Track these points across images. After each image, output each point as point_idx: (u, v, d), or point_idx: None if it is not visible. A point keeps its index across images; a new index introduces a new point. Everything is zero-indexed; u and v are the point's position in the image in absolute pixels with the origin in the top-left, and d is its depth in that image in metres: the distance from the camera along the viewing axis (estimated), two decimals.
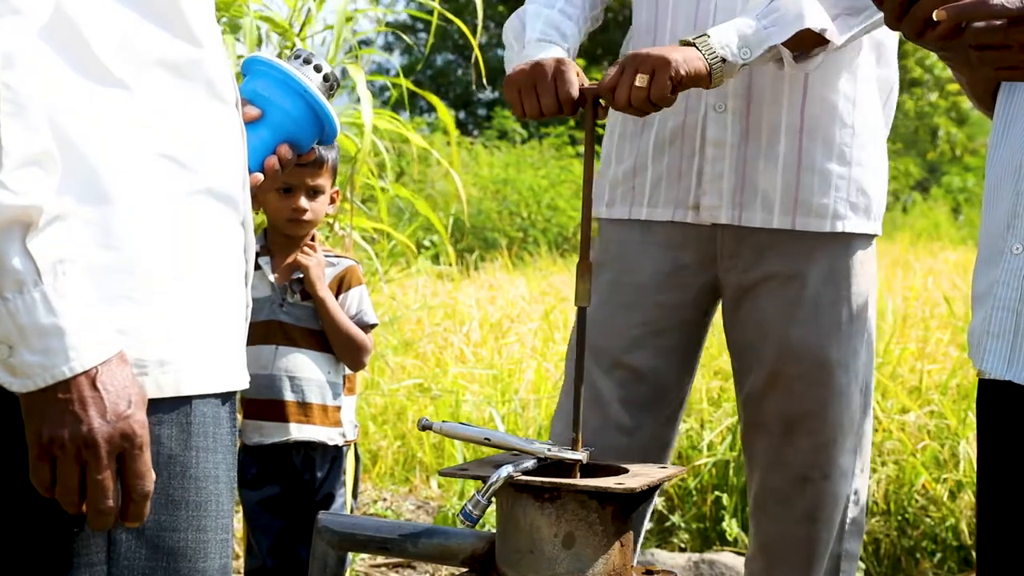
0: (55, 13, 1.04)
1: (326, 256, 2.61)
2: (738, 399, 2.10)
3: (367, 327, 2.60)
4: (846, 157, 2.00)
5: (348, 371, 2.63)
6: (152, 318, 1.09)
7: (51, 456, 1.01)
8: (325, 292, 2.53)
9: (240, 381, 1.20)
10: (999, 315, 1.32)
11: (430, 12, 3.93)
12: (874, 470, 3.45)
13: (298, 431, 2.52)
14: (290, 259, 2.56)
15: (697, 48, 1.83)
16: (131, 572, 1.10)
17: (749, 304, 2.02)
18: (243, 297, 1.23)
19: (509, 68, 1.95)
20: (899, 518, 3.39)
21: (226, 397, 1.19)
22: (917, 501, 3.39)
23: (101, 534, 1.09)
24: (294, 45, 3.60)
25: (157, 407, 1.09)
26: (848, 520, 2.05)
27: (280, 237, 2.56)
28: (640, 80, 1.78)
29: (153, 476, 1.06)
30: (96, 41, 1.08)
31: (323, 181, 2.49)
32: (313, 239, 2.60)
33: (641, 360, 2.01)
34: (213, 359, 1.16)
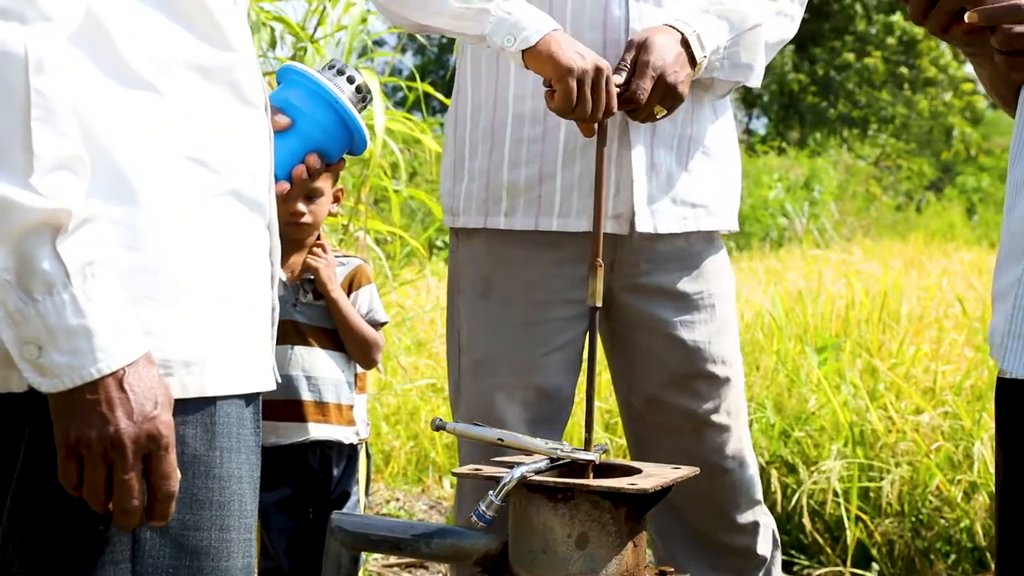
0: (86, 17, 1.05)
1: (335, 256, 2.62)
2: (629, 402, 2.10)
3: (378, 325, 2.62)
4: (724, 160, 2.08)
5: (359, 369, 2.65)
6: (177, 319, 1.11)
7: (78, 456, 1.03)
8: (338, 292, 2.54)
9: (266, 382, 1.21)
10: (1021, 315, 1.32)
11: None
12: (888, 471, 3.45)
13: (316, 430, 2.54)
14: (296, 257, 2.57)
15: (693, 60, 1.90)
16: (155, 570, 1.11)
17: (643, 310, 2.03)
18: (268, 299, 1.24)
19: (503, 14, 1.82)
20: (913, 519, 3.39)
21: (250, 398, 1.20)
22: (931, 502, 3.38)
23: (126, 532, 1.10)
24: (307, 49, 3.62)
25: (182, 407, 1.11)
26: (758, 496, 2.13)
27: (285, 238, 2.58)
28: (660, 113, 1.89)
29: (178, 476, 1.07)
30: (125, 44, 1.09)
31: (321, 184, 2.48)
32: (319, 239, 2.61)
33: (544, 379, 1.98)
34: (238, 360, 1.17)
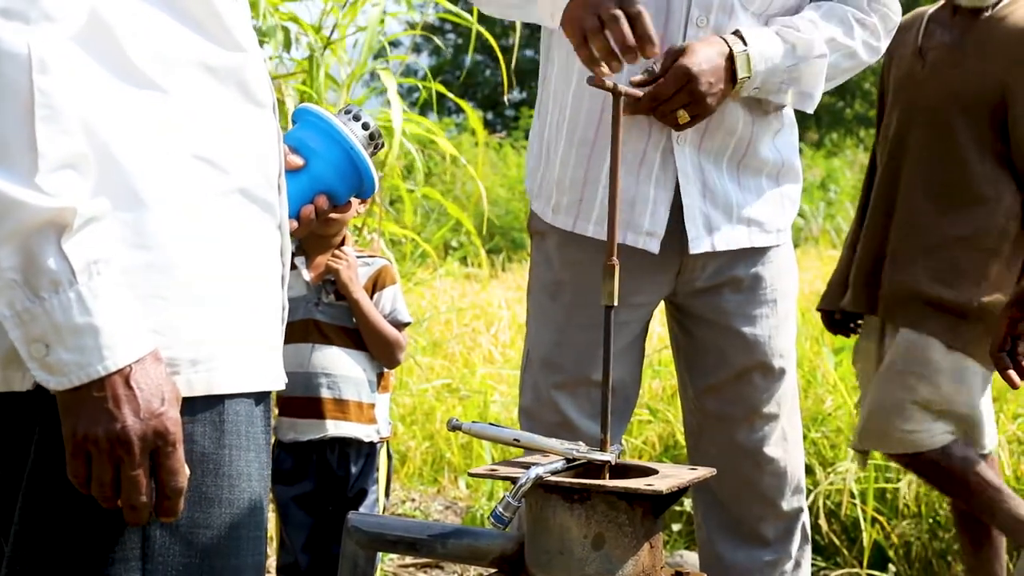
0: (90, 17, 1.06)
1: (359, 257, 2.64)
2: (690, 392, 2.16)
3: (401, 325, 2.64)
4: (782, 175, 2.10)
5: (382, 368, 2.66)
6: (184, 318, 1.11)
7: (86, 453, 1.03)
8: (359, 293, 2.56)
9: (275, 381, 1.21)
10: None
11: (458, 15, 3.94)
12: (904, 472, 3.43)
13: (335, 427, 2.55)
14: (320, 258, 2.59)
15: (734, 77, 1.89)
16: (166, 568, 1.11)
17: (709, 305, 2.09)
18: (279, 298, 1.24)
19: None
20: (930, 521, 3.37)
21: (260, 397, 1.20)
22: (948, 504, 3.37)
23: (136, 531, 1.10)
24: (325, 48, 3.62)
25: (190, 405, 1.11)
26: (802, 485, 2.19)
27: (312, 237, 2.59)
28: (683, 119, 1.88)
29: (187, 473, 1.07)
30: (131, 44, 1.09)
31: None
32: (343, 242, 2.62)
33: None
34: (246, 359, 1.17)
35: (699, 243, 2.01)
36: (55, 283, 1.00)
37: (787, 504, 2.15)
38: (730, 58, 1.90)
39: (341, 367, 2.57)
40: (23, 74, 0.98)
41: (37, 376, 1.02)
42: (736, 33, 1.93)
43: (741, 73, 1.91)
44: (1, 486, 1.14)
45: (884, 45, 2.10)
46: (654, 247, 2.01)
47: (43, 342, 1.00)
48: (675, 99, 1.87)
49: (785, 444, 2.14)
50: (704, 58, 1.87)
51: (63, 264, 0.99)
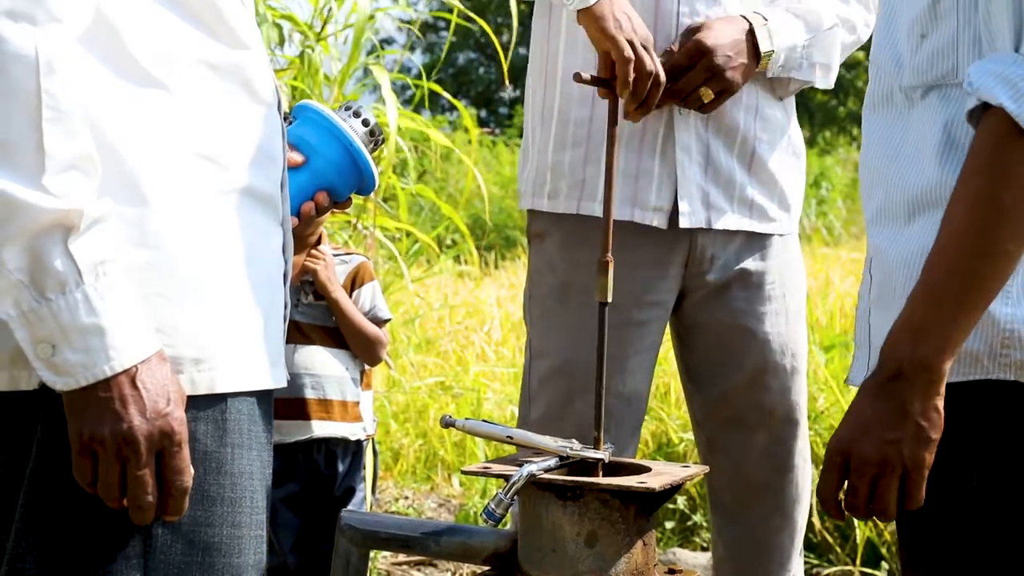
0: (95, 17, 1.06)
1: (336, 254, 2.63)
2: (702, 399, 2.07)
3: (381, 322, 2.63)
4: (789, 163, 2.05)
5: (364, 366, 2.66)
6: (186, 316, 1.11)
7: (92, 453, 1.04)
8: (339, 292, 2.55)
9: (277, 379, 1.22)
10: (858, 325, 1.41)
11: (452, 11, 3.94)
12: None
13: (320, 428, 2.55)
14: (297, 258, 2.58)
15: (757, 52, 1.87)
16: (167, 566, 1.12)
17: (720, 304, 2.01)
18: (281, 296, 1.24)
19: None
20: None
21: (262, 395, 1.20)
22: None
23: (138, 529, 1.10)
24: (316, 44, 3.62)
25: (193, 404, 1.11)
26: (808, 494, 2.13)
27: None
28: (707, 97, 1.86)
29: (191, 472, 1.08)
30: (135, 44, 1.10)
31: None
32: (319, 242, 2.62)
33: (624, 382, 1.96)
34: (249, 357, 1.17)
35: (693, 218, 1.94)
36: (61, 284, 1.00)
37: (800, 515, 2.08)
38: (751, 33, 1.87)
39: (323, 367, 2.56)
40: (30, 76, 0.99)
41: (43, 376, 1.02)
42: (753, 11, 1.91)
43: (764, 47, 1.88)
44: (3, 484, 1.15)
45: (873, 18, 2.07)
46: (662, 222, 1.94)
47: (49, 342, 1.01)
48: (693, 75, 1.83)
49: (806, 450, 2.06)
50: (721, 33, 1.85)
51: (69, 265, 1.00)
